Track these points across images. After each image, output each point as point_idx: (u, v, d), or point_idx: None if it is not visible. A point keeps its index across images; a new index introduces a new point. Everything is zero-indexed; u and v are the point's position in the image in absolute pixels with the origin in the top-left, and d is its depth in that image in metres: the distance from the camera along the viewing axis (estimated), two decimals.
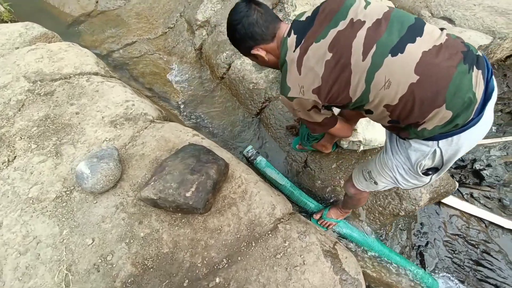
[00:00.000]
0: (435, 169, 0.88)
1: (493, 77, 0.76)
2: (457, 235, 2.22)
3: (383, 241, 1.78)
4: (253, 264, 1.10)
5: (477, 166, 2.44)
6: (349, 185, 1.22)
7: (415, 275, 1.58)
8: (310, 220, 1.47)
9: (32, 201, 1.21)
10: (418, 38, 0.75)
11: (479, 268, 2.08)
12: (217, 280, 1.06)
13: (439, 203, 2.20)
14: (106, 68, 1.95)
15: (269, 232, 1.19)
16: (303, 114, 0.93)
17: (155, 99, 2.23)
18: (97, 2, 2.83)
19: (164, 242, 1.13)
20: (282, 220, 1.24)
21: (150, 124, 1.54)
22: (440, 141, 0.80)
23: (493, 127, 2.77)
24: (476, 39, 2.03)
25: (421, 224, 2.24)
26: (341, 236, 1.60)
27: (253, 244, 1.15)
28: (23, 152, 1.35)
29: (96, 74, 1.81)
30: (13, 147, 1.37)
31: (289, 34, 0.85)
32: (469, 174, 2.49)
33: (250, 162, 1.81)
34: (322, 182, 1.67)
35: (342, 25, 0.79)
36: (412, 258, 2.09)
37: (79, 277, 1.06)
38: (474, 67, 0.73)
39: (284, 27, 0.90)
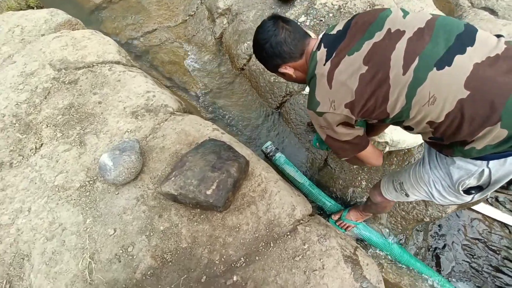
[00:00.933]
0: (479, 188, 0.79)
1: None
2: (478, 239, 2.12)
3: (402, 245, 1.73)
4: (271, 264, 1.09)
5: None
6: (376, 193, 1.16)
7: (435, 281, 1.53)
8: (328, 220, 1.44)
9: (58, 189, 1.24)
10: (468, 48, 0.67)
11: (499, 274, 1.99)
12: (235, 278, 1.06)
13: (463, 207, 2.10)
14: (127, 57, 1.94)
15: (288, 234, 1.16)
16: (331, 132, 0.86)
17: (174, 89, 2.22)
18: None
19: (183, 237, 1.13)
20: (301, 221, 1.22)
21: (170, 116, 1.53)
22: (491, 161, 0.72)
23: None
24: None
25: (439, 226, 2.15)
26: (359, 239, 1.55)
27: (272, 245, 1.13)
28: (49, 140, 1.38)
29: (118, 63, 1.80)
30: (40, 134, 1.41)
31: (318, 48, 0.81)
32: None
33: (268, 158, 1.78)
34: (343, 181, 1.61)
35: (378, 36, 0.73)
36: (427, 260, 2.03)
37: (101, 265, 1.09)
38: None
39: (313, 42, 0.86)
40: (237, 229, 1.16)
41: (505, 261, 2.03)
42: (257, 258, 1.10)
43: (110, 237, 1.14)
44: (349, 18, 0.82)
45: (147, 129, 1.45)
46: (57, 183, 1.25)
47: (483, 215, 2.16)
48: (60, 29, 2.00)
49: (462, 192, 0.81)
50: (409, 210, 1.52)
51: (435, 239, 2.11)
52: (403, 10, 0.77)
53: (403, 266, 1.59)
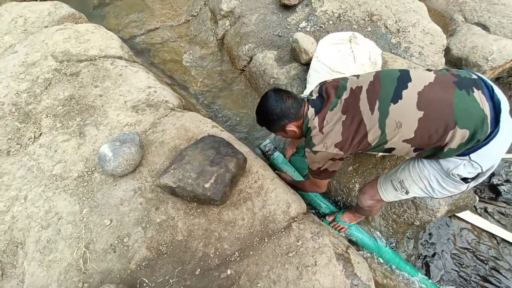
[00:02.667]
0: (474, 177, 0.93)
1: (496, 91, 0.87)
2: (466, 249, 2.17)
3: (393, 249, 1.76)
4: (265, 259, 1.11)
5: (494, 180, 2.36)
6: (366, 197, 1.23)
7: (424, 285, 1.56)
8: (323, 221, 1.46)
9: (56, 178, 1.25)
10: (409, 84, 0.91)
11: (486, 284, 2.03)
12: (229, 272, 1.07)
13: (451, 215, 2.15)
14: (130, 53, 1.97)
15: (283, 230, 1.19)
16: (321, 164, 1.08)
17: (174, 87, 2.24)
18: None
19: (179, 230, 1.15)
20: (296, 219, 1.24)
21: (171, 112, 1.55)
22: (470, 155, 0.88)
23: None
24: None
25: (430, 234, 2.20)
26: (351, 240, 1.58)
27: (266, 240, 1.16)
28: (49, 130, 1.39)
29: (120, 58, 1.82)
30: (39, 124, 1.41)
31: (308, 108, 1.07)
32: (485, 188, 2.41)
33: (266, 157, 1.80)
34: (337, 184, 1.65)
35: (345, 94, 1.00)
36: (417, 268, 2.07)
37: (96, 255, 1.09)
38: (474, 89, 0.86)
39: (306, 105, 1.09)
40: (233, 224, 1.18)
41: (493, 271, 2.07)
42: (251, 253, 1.12)
43: (106, 227, 1.14)
44: (318, 87, 1.11)
45: (147, 123, 1.46)
46: (55, 172, 1.26)
47: (472, 225, 2.22)
48: (64, 22, 2.01)
49: (458, 180, 0.94)
50: (400, 213, 1.56)
51: (425, 247, 2.15)
52: (355, 75, 1.06)
53: (393, 268, 1.62)
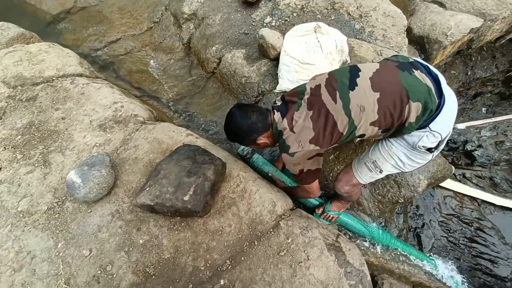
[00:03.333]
0: (436, 145, 1.02)
1: (430, 67, 1.02)
2: (452, 215, 2.28)
3: (384, 229, 1.81)
4: (257, 263, 1.09)
5: (468, 147, 2.49)
6: (342, 184, 1.27)
7: (417, 258, 1.61)
8: (313, 215, 1.47)
9: (23, 214, 1.16)
10: (360, 73, 1.01)
11: (474, 245, 2.14)
12: (222, 282, 1.04)
13: (434, 186, 2.24)
14: (91, 69, 1.86)
15: (271, 230, 1.17)
16: (303, 165, 1.09)
17: (144, 98, 2.15)
18: None
19: (164, 248, 1.10)
20: (283, 216, 1.23)
21: (142, 125, 1.49)
22: (430, 126, 0.98)
23: (483, 108, 2.81)
24: (467, 22, 2.02)
25: (417, 207, 2.28)
26: (342, 227, 1.60)
27: (256, 243, 1.14)
28: (9, 163, 1.28)
29: (81, 75, 1.72)
30: None
31: (274, 113, 1.11)
32: (461, 155, 2.53)
33: (245, 161, 1.78)
34: (320, 174, 1.65)
35: (307, 94, 1.06)
36: (409, 240, 2.14)
37: None
38: (413, 70, 0.99)
39: (272, 113, 1.13)
40: (220, 232, 1.15)
41: (478, 231, 2.19)
42: (242, 258, 1.10)
43: (86, 258, 1.07)
44: (280, 96, 1.18)
45: (117, 141, 1.39)
46: (21, 209, 1.16)
47: (454, 191, 2.33)
48: (13, 43, 1.87)
49: (424, 152, 1.03)
50: (384, 194, 1.60)
51: (414, 219, 2.24)
52: (310, 81, 1.14)
53: (386, 248, 1.66)
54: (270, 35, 1.83)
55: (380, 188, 1.60)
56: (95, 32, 2.49)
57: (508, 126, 2.53)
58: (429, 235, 2.19)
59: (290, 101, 1.10)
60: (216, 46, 2.12)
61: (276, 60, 1.88)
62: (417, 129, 1.00)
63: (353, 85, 0.99)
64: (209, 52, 2.15)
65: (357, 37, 1.92)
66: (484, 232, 2.19)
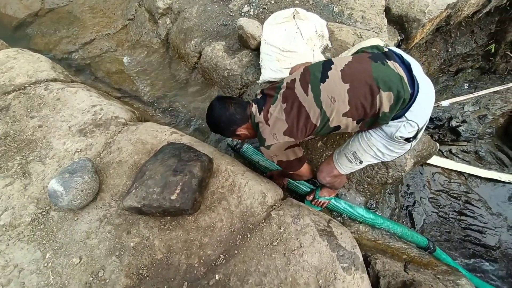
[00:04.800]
0: (414, 135, 1.02)
1: (405, 57, 1.02)
2: (441, 190, 2.35)
3: (373, 210, 1.84)
4: (251, 255, 1.09)
5: (453, 123, 2.54)
6: (323, 175, 1.27)
7: (407, 236, 1.65)
8: (304, 203, 1.47)
9: (5, 228, 1.12)
10: (332, 66, 1.03)
11: (463, 217, 2.23)
12: (217, 277, 1.04)
13: (422, 164, 2.29)
14: (65, 73, 1.79)
15: (263, 221, 1.17)
16: (281, 156, 1.12)
17: (126, 99, 2.09)
18: None
19: (156, 249, 1.09)
20: (274, 207, 1.23)
21: (124, 127, 1.45)
22: (406, 115, 0.98)
23: (465, 84, 2.86)
24: None
25: (407, 185, 2.34)
26: (332, 210, 1.62)
27: (249, 235, 1.14)
28: None
29: (55, 80, 1.65)
30: None
31: (252, 106, 1.14)
32: (446, 132, 2.59)
33: (236, 151, 1.76)
34: (310, 162, 1.66)
35: (283, 88, 1.10)
36: (402, 218, 2.20)
37: None
38: (386, 60, 0.99)
39: (250, 105, 1.16)
40: (212, 228, 1.14)
41: (466, 204, 2.27)
42: (236, 252, 1.10)
43: (76, 266, 1.05)
44: (261, 89, 1.20)
45: (99, 145, 1.35)
46: (3, 222, 1.12)
47: (441, 168, 2.39)
48: None
49: (402, 142, 1.03)
50: (373, 176, 1.62)
51: (405, 198, 2.29)
52: (289, 75, 1.18)
53: (377, 229, 1.69)
54: (248, 25, 1.79)
55: (369, 171, 1.62)
56: (67, 34, 2.38)
57: (489, 100, 2.59)
58: (420, 212, 2.25)
59: (268, 94, 1.13)
60: (195, 40, 2.06)
61: (257, 50, 1.85)
62: (393, 119, 1.00)
63: (324, 77, 1.00)
64: (189, 47, 2.09)
65: (337, 21, 1.90)
66: (472, 205, 2.27)
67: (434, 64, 2.71)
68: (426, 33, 2.18)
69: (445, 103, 2.49)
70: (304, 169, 1.21)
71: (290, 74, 1.29)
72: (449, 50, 2.69)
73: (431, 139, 1.71)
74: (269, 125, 1.07)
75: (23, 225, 1.13)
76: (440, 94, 2.83)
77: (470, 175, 2.38)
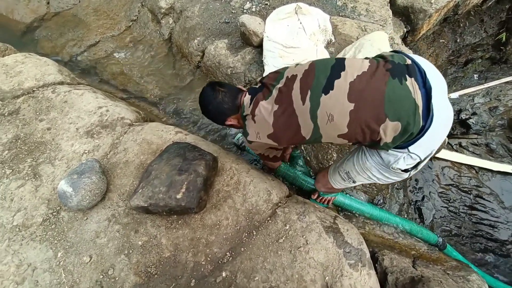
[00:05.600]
0: (414, 167, 0.92)
1: (429, 76, 0.82)
2: (450, 185, 2.30)
3: (381, 206, 1.82)
4: (257, 252, 1.10)
5: (463, 116, 2.48)
6: (320, 185, 1.27)
7: (416, 232, 1.63)
8: (309, 200, 1.47)
9: (19, 228, 1.15)
10: (342, 73, 0.86)
11: (474, 212, 2.18)
12: (224, 274, 1.06)
13: (431, 158, 2.25)
14: (71, 75, 1.82)
15: (269, 219, 1.18)
16: (260, 151, 1.14)
17: (131, 100, 2.12)
18: (48, 3, 2.59)
19: (164, 247, 1.10)
20: (279, 204, 1.23)
21: (129, 128, 1.47)
22: (409, 148, 0.85)
23: (474, 75, 2.78)
24: None
25: (416, 180, 2.30)
26: (339, 206, 1.61)
27: (254, 233, 1.14)
28: None
29: (62, 83, 1.68)
30: None
31: (245, 96, 1.06)
32: (456, 125, 2.53)
33: (241, 149, 1.76)
34: (315, 159, 1.65)
35: (281, 83, 0.96)
36: (411, 214, 2.17)
37: None
38: (407, 77, 0.81)
39: (243, 95, 1.08)
40: (218, 226, 1.15)
41: (477, 198, 2.22)
42: (242, 249, 1.11)
43: (87, 265, 1.08)
44: (262, 77, 1.10)
45: (106, 146, 1.37)
46: (16, 223, 1.16)
47: (451, 161, 2.34)
48: None
49: (399, 171, 0.93)
50: None
51: (414, 193, 2.25)
52: (297, 64, 1.01)
53: (385, 224, 1.68)
54: (251, 22, 1.78)
55: None
56: (72, 37, 2.42)
57: (501, 91, 2.51)
58: (429, 207, 2.21)
59: (266, 85, 1.02)
60: (198, 38, 2.07)
61: (260, 47, 1.84)
62: (394, 147, 0.87)
63: (329, 87, 0.85)
64: (192, 46, 2.09)
65: (340, 14, 1.87)
66: (483, 199, 2.22)
67: (442, 55, 2.64)
68: (433, 24, 2.12)
69: (454, 95, 2.43)
70: (277, 164, 1.32)
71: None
72: (458, 40, 2.62)
73: None
74: (255, 122, 1.00)
75: (35, 225, 1.16)
76: (449, 86, 2.76)
77: (481, 168, 2.32)
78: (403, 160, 0.88)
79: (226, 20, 2.06)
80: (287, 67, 1.02)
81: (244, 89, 1.11)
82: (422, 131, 0.81)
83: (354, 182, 1.12)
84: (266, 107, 0.96)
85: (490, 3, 2.35)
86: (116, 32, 2.43)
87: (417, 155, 0.86)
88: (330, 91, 0.85)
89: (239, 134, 1.80)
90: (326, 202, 1.53)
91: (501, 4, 2.48)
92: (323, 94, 0.86)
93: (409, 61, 0.85)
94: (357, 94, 0.82)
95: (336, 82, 0.85)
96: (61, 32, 2.47)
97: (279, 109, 0.93)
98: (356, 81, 0.83)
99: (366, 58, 0.91)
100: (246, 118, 1.04)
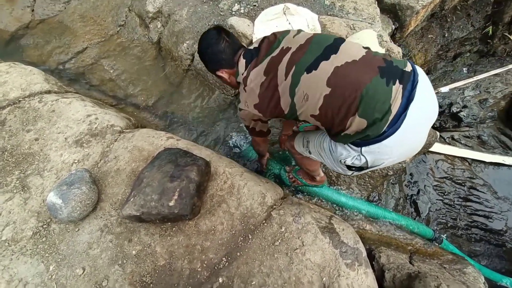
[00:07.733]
0: (359, 168, 0.94)
1: (418, 87, 0.79)
2: (445, 178, 2.32)
3: (376, 202, 1.83)
4: (253, 256, 1.09)
5: (454, 109, 2.51)
6: (289, 145, 1.29)
7: (412, 228, 1.64)
8: (281, 171, 1.52)
9: (8, 243, 1.12)
10: (332, 56, 0.85)
11: (468, 203, 2.21)
12: (220, 280, 1.04)
13: (424, 152, 2.27)
14: (59, 84, 1.78)
15: (264, 222, 1.17)
16: (247, 122, 1.10)
17: (122, 106, 2.09)
18: (32, 10, 2.53)
19: (158, 255, 1.09)
20: (274, 206, 1.22)
21: (120, 135, 1.44)
22: (362, 148, 0.86)
23: (464, 69, 2.82)
24: None
25: (411, 174, 2.32)
26: (328, 200, 1.61)
27: (250, 237, 1.13)
28: None
29: (49, 92, 1.65)
30: None
31: (240, 59, 1.02)
32: (447, 118, 2.56)
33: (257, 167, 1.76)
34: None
35: (275, 52, 0.94)
36: (407, 208, 2.18)
37: None
38: (397, 81, 0.79)
39: (240, 54, 1.03)
40: (213, 231, 1.14)
41: (471, 190, 2.25)
42: (238, 254, 1.10)
43: (80, 277, 1.06)
44: (261, 38, 1.03)
45: (96, 155, 1.35)
46: (5, 238, 1.13)
47: (444, 155, 2.36)
48: None
49: (344, 166, 0.96)
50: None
51: (409, 187, 2.27)
52: (298, 30, 0.99)
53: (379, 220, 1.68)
54: (239, 24, 1.77)
55: None
56: (59, 44, 2.37)
57: (490, 83, 2.55)
58: (425, 200, 2.24)
59: (262, 49, 0.99)
60: (187, 42, 2.05)
61: None
62: (351, 143, 0.88)
63: (313, 67, 0.85)
64: (181, 49, 2.07)
65: (328, 13, 1.87)
66: (477, 190, 2.25)
67: (431, 50, 2.67)
68: (421, 20, 2.14)
69: (444, 89, 2.46)
70: (261, 141, 1.26)
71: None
72: (446, 35, 2.64)
73: (431, 128, 1.69)
74: (245, 91, 1.00)
75: (25, 239, 1.13)
76: (439, 80, 2.79)
77: (473, 160, 2.35)
78: (352, 158, 0.90)
79: (215, 23, 2.04)
80: (287, 33, 0.99)
81: (244, 45, 1.09)
82: (380, 137, 0.80)
83: (309, 153, 1.14)
84: (257, 77, 0.95)
85: None
86: (104, 38, 2.39)
87: (366, 161, 0.88)
88: (313, 70, 0.85)
89: (234, 136, 1.80)
90: (292, 181, 1.56)
91: None
92: (305, 73, 0.86)
93: (409, 68, 0.82)
94: (337, 80, 0.82)
95: (322, 63, 0.84)
96: (47, 40, 2.42)
97: (265, 81, 0.94)
98: (342, 68, 0.82)
99: (366, 48, 0.90)
100: (240, 84, 1.03)
